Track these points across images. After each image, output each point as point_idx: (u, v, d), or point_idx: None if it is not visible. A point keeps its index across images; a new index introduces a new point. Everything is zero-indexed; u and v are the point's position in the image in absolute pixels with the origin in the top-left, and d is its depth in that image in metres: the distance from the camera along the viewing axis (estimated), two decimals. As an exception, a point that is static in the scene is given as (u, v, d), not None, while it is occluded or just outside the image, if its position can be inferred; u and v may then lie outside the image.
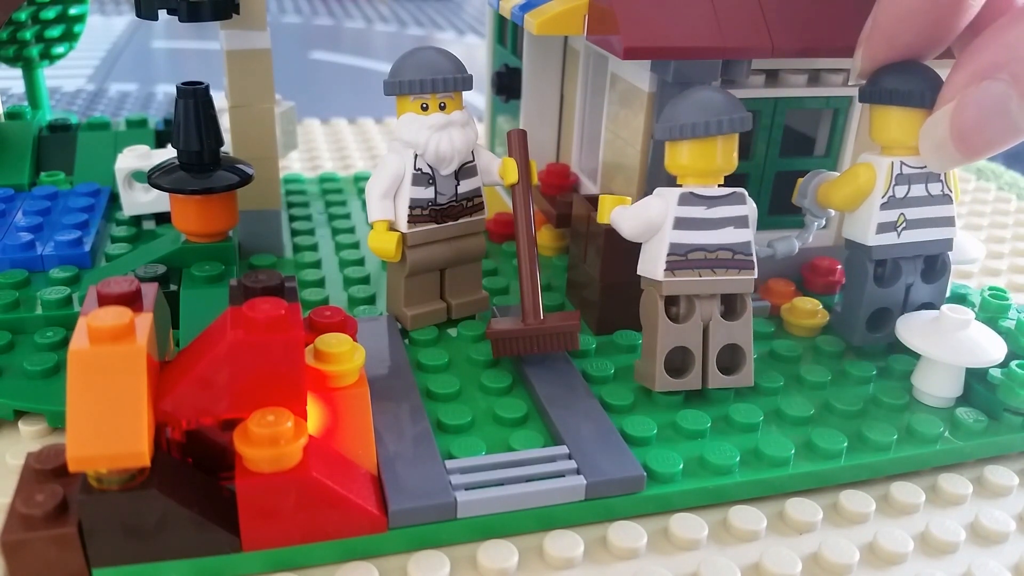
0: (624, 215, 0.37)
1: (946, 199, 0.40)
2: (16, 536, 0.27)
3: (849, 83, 0.43)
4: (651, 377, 0.37)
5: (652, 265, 0.36)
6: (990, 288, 0.46)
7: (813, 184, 0.40)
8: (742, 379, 0.37)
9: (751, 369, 0.37)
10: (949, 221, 0.40)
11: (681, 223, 0.36)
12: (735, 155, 0.36)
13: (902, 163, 0.38)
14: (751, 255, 0.36)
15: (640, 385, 0.38)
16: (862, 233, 0.39)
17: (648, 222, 0.36)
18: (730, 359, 0.37)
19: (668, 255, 0.36)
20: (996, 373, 0.38)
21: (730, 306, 0.37)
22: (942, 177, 0.39)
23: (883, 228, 0.39)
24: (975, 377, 0.38)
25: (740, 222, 0.36)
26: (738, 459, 0.34)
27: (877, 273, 0.40)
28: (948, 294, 0.45)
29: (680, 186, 0.36)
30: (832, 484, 0.35)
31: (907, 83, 0.37)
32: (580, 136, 0.51)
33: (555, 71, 0.52)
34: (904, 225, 0.39)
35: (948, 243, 0.40)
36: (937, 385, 0.38)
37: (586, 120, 0.50)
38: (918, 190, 0.39)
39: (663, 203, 0.36)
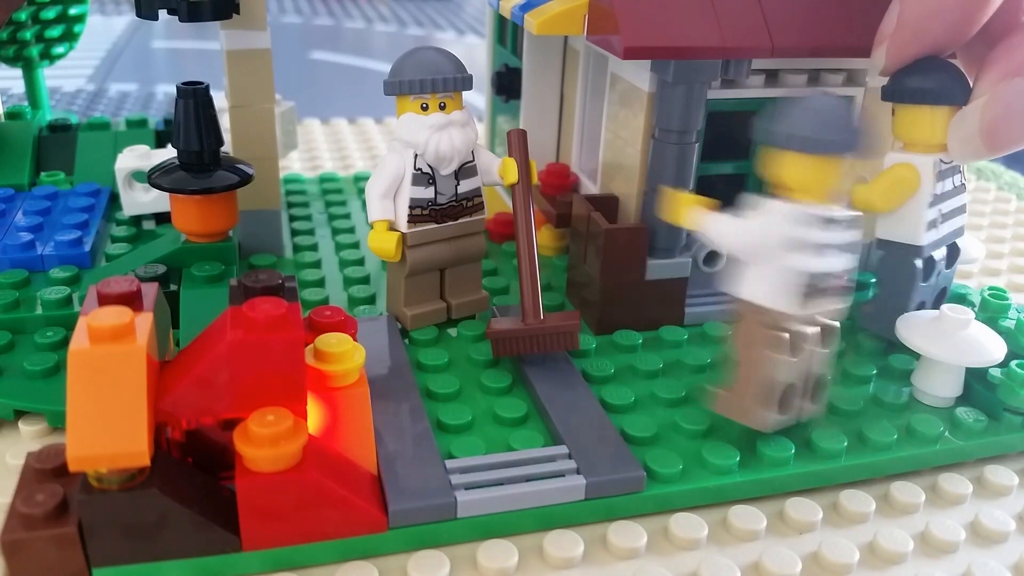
0: (728, 229, 0.33)
1: (963, 188, 0.41)
2: (16, 536, 0.27)
3: (867, 79, 0.43)
4: (758, 417, 0.33)
5: (771, 293, 0.32)
6: (990, 288, 0.46)
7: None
8: (822, 407, 0.35)
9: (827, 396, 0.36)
10: (964, 208, 0.41)
11: (807, 248, 0.32)
12: (844, 175, 0.32)
13: (940, 160, 0.38)
14: (851, 282, 0.34)
15: (639, 385, 0.38)
16: (912, 234, 0.39)
17: (763, 244, 0.32)
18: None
19: (796, 283, 0.32)
20: (996, 373, 0.38)
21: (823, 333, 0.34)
22: (961, 168, 0.40)
23: (930, 226, 0.39)
24: (975, 377, 0.38)
25: (852, 248, 0.33)
26: (738, 459, 0.34)
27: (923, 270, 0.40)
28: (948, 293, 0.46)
29: (794, 202, 0.32)
30: (832, 484, 0.35)
31: (939, 81, 0.37)
32: (580, 136, 0.51)
33: (555, 71, 0.52)
34: (941, 219, 0.39)
35: (963, 229, 0.42)
36: (937, 385, 0.38)
37: (586, 120, 0.50)
38: (948, 184, 0.39)
39: (785, 223, 0.32)
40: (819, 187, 0.32)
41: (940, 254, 0.41)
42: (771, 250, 0.32)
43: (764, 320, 0.32)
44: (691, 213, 0.34)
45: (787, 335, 0.32)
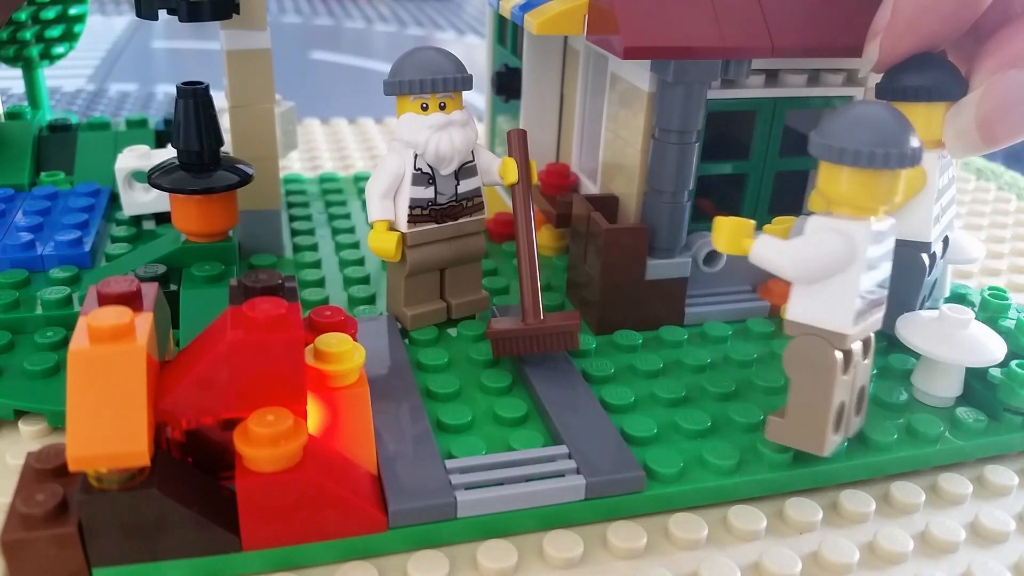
0: (787, 254, 0.31)
1: (954, 180, 0.41)
2: (16, 536, 0.27)
3: (860, 75, 0.43)
4: (817, 440, 0.32)
5: (831, 314, 0.31)
6: (990, 288, 0.46)
7: None
8: (863, 418, 0.35)
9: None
10: (954, 199, 0.42)
11: (869, 264, 0.31)
12: (900, 188, 0.31)
13: (941, 155, 0.38)
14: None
15: (639, 385, 0.38)
16: (921, 230, 0.39)
17: (823, 266, 0.30)
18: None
19: (853, 301, 0.30)
20: (996, 373, 0.38)
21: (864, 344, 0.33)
22: (953, 161, 0.40)
23: (936, 221, 0.39)
24: (975, 377, 0.38)
25: (890, 256, 0.32)
26: (738, 459, 0.34)
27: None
28: (948, 293, 0.45)
29: (851, 218, 0.31)
30: (832, 484, 0.35)
31: (934, 78, 0.36)
32: (580, 136, 0.51)
33: (555, 71, 0.52)
34: (941, 213, 0.40)
35: (954, 222, 0.42)
36: (937, 385, 0.38)
37: (586, 120, 0.50)
38: (945, 178, 0.40)
39: (848, 243, 0.30)
40: (876, 202, 0.30)
41: (939, 247, 0.41)
42: (826, 272, 0.31)
43: (825, 342, 0.31)
44: (734, 237, 0.32)
45: (841, 353, 0.31)
